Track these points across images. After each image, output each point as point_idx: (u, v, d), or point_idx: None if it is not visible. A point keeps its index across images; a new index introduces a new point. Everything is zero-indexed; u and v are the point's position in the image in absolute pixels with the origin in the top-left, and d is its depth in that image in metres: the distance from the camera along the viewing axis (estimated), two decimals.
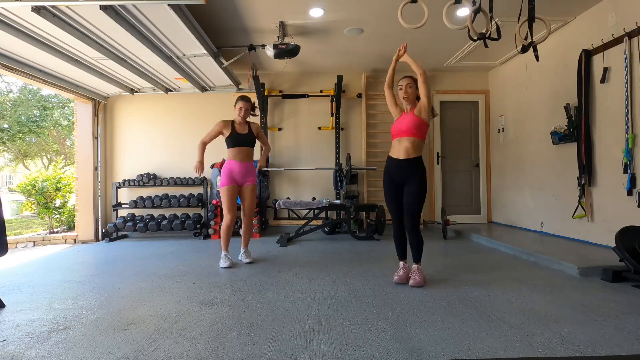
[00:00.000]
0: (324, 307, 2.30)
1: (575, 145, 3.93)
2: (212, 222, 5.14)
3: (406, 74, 3.04)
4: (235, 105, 3.48)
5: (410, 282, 2.69)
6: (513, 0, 3.34)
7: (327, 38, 4.42)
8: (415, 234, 2.70)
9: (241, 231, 3.69)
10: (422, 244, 2.73)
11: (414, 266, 2.74)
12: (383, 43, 4.60)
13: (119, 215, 5.37)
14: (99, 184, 5.45)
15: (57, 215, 5.85)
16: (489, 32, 2.90)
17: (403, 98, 2.78)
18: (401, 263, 2.85)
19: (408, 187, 2.72)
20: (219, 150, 5.65)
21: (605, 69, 3.56)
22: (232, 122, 3.49)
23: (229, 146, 3.47)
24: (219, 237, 5.13)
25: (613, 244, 3.23)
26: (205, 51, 3.84)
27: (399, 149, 2.73)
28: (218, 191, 5.32)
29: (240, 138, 3.45)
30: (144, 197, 5.33)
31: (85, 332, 1.98)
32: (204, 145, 3.50)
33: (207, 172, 5.59)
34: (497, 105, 5.63)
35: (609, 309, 2.20)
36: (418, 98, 2.78)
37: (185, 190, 5.61)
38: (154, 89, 5.38)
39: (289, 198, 5.48)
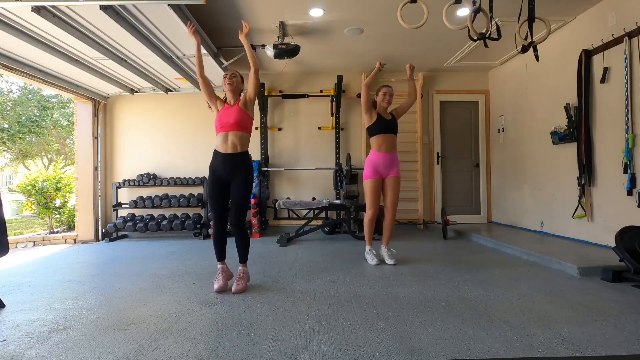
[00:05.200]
0: (324, 307, 2.30)
1: (575, 145, 3.93)
2: (212, 222, 5.12)
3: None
4: (377, 93, 3.41)
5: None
6: (513, 0, 3.34)
7: (327, 38, 4.42)
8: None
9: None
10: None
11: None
12: (383, 43, 4.60)
13: (119, 215, 5.37)
14: (99, 184, 5.45)
15: (57, 215, 5.86)
16: (489, 32, 2.90)
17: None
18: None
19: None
20: None
21: (605, 69, 3.56)
22: (375, 107, 3.42)
23: (372, 134, 3.35)
24: None
25: (613, 244, 3.23)
26: (205, 51, 3.84)
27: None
28: None
29: (387, 124, 3.33)
30: (144, 197, 5.33)
31: (85, 332, 1.98)
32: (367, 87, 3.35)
33: (207, 172, 5.58)
34: (497, 105, 5.63)
35: (609, 309, 2.20)
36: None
37: (185, 190, 5.60)
38: (154, 89, 5.38)
39: (289, 198, 5.48)
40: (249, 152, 2.77)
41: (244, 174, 2.66)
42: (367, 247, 3.48)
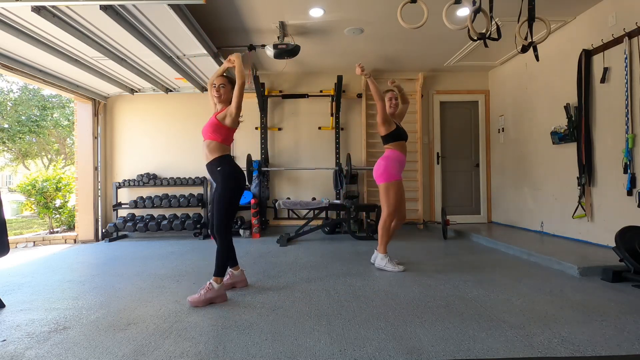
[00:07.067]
0: (324, 307, 2.30)
1: (575, 145, 3.93)
2: None
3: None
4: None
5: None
6: (513, 0, 3.34)
7: (327, 38, 4.42)
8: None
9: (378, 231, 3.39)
10: None
11: None
12: (383, 43, 4.60)
13: (119, 215, 5.37)
14: (99, 184, 5.45)
15: (57, 215, 5.85)
16: (489, 32, 2.90)
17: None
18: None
19: None
20: None
21: (605, 69, 3.56)
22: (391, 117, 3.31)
23: (392, 140, 3.23)
24: None
25: (613, 244, 3.23)
26: (205, 51, 3.84)
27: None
28: None
29: (403, 132, 3.28)
30: (144, 197, 5.33)
31: (85, 332, 1.98)
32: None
33: (207, 172, 5.58)
34: (497, 105, 5.63)
35: (609, 309, 2.20)
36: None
37: (185, 190, 5.60)
38: (154, 89, 5.38)
39: (289, 198, 5.48)
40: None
41: (219, 181, 2.49)
42: (383, 255, 3.18)
